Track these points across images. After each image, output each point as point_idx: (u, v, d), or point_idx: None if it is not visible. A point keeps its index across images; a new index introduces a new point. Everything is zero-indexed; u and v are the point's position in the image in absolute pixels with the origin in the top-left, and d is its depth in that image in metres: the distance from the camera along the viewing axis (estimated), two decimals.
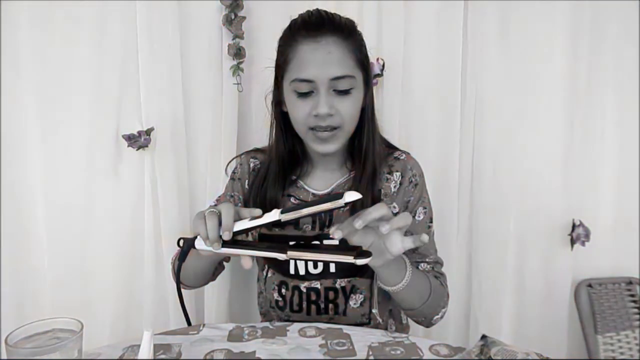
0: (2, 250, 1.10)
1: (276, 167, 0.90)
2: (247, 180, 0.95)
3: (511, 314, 1.28)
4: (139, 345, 0.58)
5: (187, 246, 0.72)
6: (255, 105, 1.15)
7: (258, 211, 0.68)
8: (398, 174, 0.90)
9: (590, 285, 1.31)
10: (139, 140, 1.10)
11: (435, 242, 0.93)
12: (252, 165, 0.96)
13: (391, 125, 1.18)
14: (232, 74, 1.12)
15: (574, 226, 1.28)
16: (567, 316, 1.32)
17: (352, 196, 0.60)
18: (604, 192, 1.32)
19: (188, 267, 0.86)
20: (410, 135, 1.23)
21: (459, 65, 1.21)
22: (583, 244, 1.28)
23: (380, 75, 1.17)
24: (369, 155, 0.86)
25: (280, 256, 0.65)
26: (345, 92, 0.81)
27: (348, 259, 0.63)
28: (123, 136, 1.10)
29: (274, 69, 0.87)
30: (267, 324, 0.79)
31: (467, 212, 1.27)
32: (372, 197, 0.86)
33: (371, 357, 0.68)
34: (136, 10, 1.07)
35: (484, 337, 0.69)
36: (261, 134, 0.95)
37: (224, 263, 0.96)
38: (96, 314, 1.14)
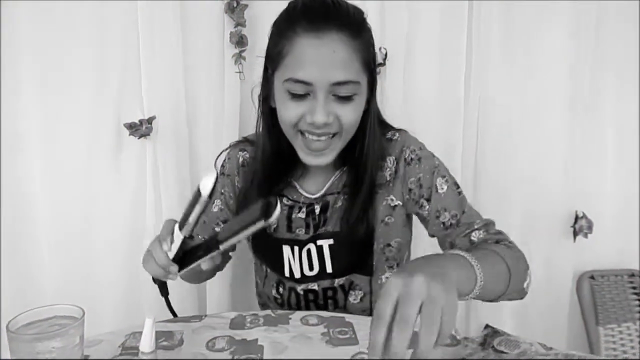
0: (3, 239, 1.10)
1: (261, 172, 0.82)
2: (236, 177, 0.89)
3: (512, 304, 1.27)
4: (141, 332, 0.58)
5: (159, 284, 0.73)
6: (257, 94, 1.13)
7: (166, 246, 0.64)
8: (392, 158, 0.81)
9: (592, 277, 1.31)
10: (140, 129, 1.09)
11: (472, 206, 0.81)
12: (240, 159, 0.89)
13: (393, 118, 1.15)
14: (234, 62, 1.11)
15: (576, 218, 1.28)
16: (569, 308, 1.32)
17: (208, 184, 0.56)
18: (606, 184, 1.32)
19: (186, 278, 0.87)
20: (411, 128, 1.20)
21: (462, 61, 1.20)
22: (586, 235, 1.28)
23: (382, 64, 1.16)
24: (368, 156, 0.78)
25: (218, 251, 0.62)
26: (347, 99, 0.71)
27: (260, 224, 0.56)
28: (124, 125, 1.09)
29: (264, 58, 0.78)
30: (269, 312, 0.78)
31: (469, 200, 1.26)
32: (372, 199, 0.79)
33: None
34: None
35: (487, 326, 0.68)
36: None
37: (230, 253, 0.95)
38: (98, 302, 1.13)
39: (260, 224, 0.56)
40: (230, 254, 0.96)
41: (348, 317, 0.76)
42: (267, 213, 0.56)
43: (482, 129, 1.24)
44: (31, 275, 1.13)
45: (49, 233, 1.12)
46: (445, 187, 0.79)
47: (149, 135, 1.10)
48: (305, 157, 0.76)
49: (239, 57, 1.11)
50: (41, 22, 1.04)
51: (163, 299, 0.76)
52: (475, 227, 0.77)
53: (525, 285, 0.72)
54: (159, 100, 1.10)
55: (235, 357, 0.64)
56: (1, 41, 1.03)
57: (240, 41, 1.10)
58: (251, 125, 1.12)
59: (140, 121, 1.09)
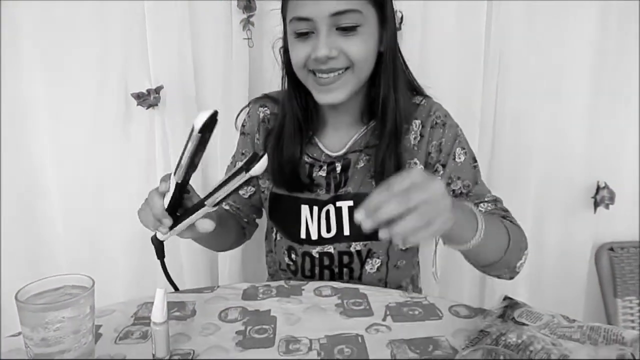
0: (15, 212, 1.10)
1: (291, 125, 0.81)
2: (257, 134, 0.87)
3: (528, 274, 1.26)
4: (152, 303, 0.57)
5: (156, 244, 0.70)
6: (267, 61, 1.11)
7: (164, 186, 0.61)
8: (417, 122, 0.80)
9: (611, 249, 1.27)
10: (148, 99, 1.07)
11: (485, 183, 0.82)
12: (261, 115, 0.87)
13: None
14: (242, 28, 1.07)
15: (598, 188, 1.24)
16: (586, 279, 1.30)
17: (200, 120, 0.53)
18: (628, 155, 1.27)
19: (200, 242, 0.84)
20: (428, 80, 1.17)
21: (482, 24, 1.14)
22: (607, 206, 1.24)
23: (398, 29, 1.11)
24: (388, 107, 0.76)
25: (206, 210, 0.61)
26: (350, 30, 0.70)
27: (241, 177, 0.55)
28: (132, 95, 1.07)
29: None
30: (282, 282, 0.77)
31: (487, 170, 1.23)
32: (396, 159, 0.77)
33: (389, 318, 0.66)
34: None
35: (506, 297, 0.66)
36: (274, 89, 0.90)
37: (256, 220, 0.93)
38: (111, 272, 1.14)
39: (241, 176, 0.55)
40: (257, 220, 0.94)
41: (362, 288, 0.74)
42: (249, 165, 0.54)
43: (501, 93, 1.20)
44: (44, 247, 1.14)
45: (60, 204, 1.12)
46: (462, 158, 0.79)
47: (157, 105, 1.08)
48: (317, 95, 0.75)
49: (247, 23, 1.07)
50: None
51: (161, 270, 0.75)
52: (485, 199, 0.78)
53: (518, 264, 0.72)
54: (166, 70, 1.08)
55: (248, 328, 0.63)
56: (4, 11, 1.00)
57: (248, 6, 1.06)
58: (261, 92, 1.10)
59: (148, 91, 1.07)
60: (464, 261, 0.82)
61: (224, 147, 1.11)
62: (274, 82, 0.86)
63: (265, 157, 0.55)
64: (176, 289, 0.76)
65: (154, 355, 0.56)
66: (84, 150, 1.10)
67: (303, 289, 0.75)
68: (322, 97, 0.75)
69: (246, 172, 0.55)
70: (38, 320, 0.50)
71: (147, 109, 1.08)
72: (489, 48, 1.16)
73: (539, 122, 1.20)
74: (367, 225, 0.48)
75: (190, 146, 0.55)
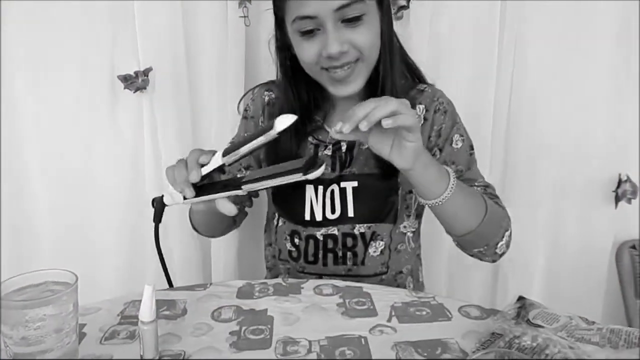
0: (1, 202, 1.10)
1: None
2: (260, 118, 0.91)
3: (543, 273, 1.26)
4: (140, 301, 0.56)
5: (158, 206, 0.72)
6: (264, 41, 1.08)
7: (206, 158, 0.66)
8: (422, 107, 0.86)
9: (633, 247, 1.27)
10: (136, 82, 1.07)
11: (479, 171, 0.88)
12: (266, 99, 0.92)
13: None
14: (238, 5, 1.06)
15: (619, 182, 1.23)
16: (606, 278, 1.29)
17: (283, 122, 0.57)
18: None
19: (199, 219, 0.89)
20: (438, 76, 1.15)
21: (497, 12, 1.14)
22: (629, 201, 1.23)
23: (406, 7, 1.10)
24: (386, 87, 0.81)
25: (238, 192, 0.65)
26: (356, 20, 0.74)
27: (297, 176, 0.60)
28: (118, 77, 1.07)
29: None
30: (279, 280, 0.78)
31: (501, 159, 1.23)
32: None
33: (394, 318, 0.66)
34: None
35: (520, 298, 0.66)
36: (272, 73, 0.90)
37: (246, 209, 0.96)
38: (97, 268, 1.15)
39: (297, 176, 0.59)
40: (247, 209, 0.96)
41: (366, 287, 0.74)
42: (308, 169, 0.59)
43: (517, 79, 1.19)
44: (27, 241, 1.14)
45: (43, 194, 1.12)
46: (460, 144, 0.86)
47: (145, 88, 1.07)
48: (334, 90, 0.80)
49: (243, 0, 1.06)
50: None
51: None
52: (476, 183, 0.84)
53: (499, 244, 0.78)
54: (155, 50, 1.07)
55: (243, 328, 0.63)
56: None
57: None
58: (258, 73, 1.08)
59: (136, 73, 1.06)
60: (474, 259, 0.83)
61: (218, 133, 1.11)
62: (272, 63, 0.87)
63: (324, 166, 0.61)
64: (169, 278, 0.77)
65: (141, 357, 0.56)
66: (67, 138, 1.10)
67: (302, 287, 0.75)
68: (339, 91, 0.79)
69: (304, 175, 0.59)
70: (18, 318, 0.50)
71: (134, 92, 1.07)
72: (502, 37, 1.16)
73: (556, 113, 1.19)
74: (346, 129, 0.59)
75: (259, 141, 0.60)
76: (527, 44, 1.17)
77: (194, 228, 0.92)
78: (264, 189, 0.63)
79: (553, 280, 1.28)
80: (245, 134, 0.92)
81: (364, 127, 0.59)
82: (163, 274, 0.78)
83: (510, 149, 1.23)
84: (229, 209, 0.66)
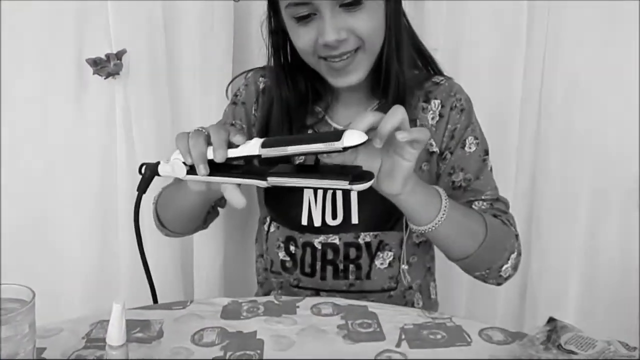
0: None
1: (279, 113, 0.87)
2: (254, 106, 0.93)
3: (579, 290, 1.26)
4: (108, 321, 0.56)
5: (149, 173, 0.70)
6: (255, 18, 1.09)
7: (240, 139, 0.64)
8: (437, 102, 0.87)
9: None
10: (107, 66, 1.08)
11: (494, 179, 0.89)
12: (261, 85, 0.93)
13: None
14: None
15: None
16: None
17: (353, 139, 0.56)
18: None
19: (169, 206, 0.88)
20: (457, 62, 1.18)
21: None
22: None
23: None
24: (391, 79, 0.82)
25: (260, 183, 0.63)
26: (356, 4, 0.75)
27: (341, 184, 0.59)
28: (87, 60, 1.07)
29: None
30: (271, 298, 0.78)
31: (529, 158, 1.25)
32: None
33: (404, 343, 0.65)
34: None
35: (551, 320, 0.66)
36: (264, 56, 0.91)
37: (219, 209, 0.95)
38: (60, 281, 1.15)
39: (340, 184, 0.59)
40: (220, 209, 0.96)
41: (372, 307, 0.75)
42: (355, 180, 0.58)
43: (547, 77, 1.21)
44: None
45: (2, 192, 1.12)
46: (473, 148, 0.87)
47: (118, 74, 1.08)
48: (332, 80, 0.81)
49: None
50: None
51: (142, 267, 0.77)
52: (482, 197, 0.85)
53: (503, 268, 0.80)
54: (130, 30, 1.07)
55: (228, 354, 0.63)
56: None
57: None
58: (247, 57, 1.08)
59: (107, 56, 1.07)
60: None
61: (201, 125, 1.10)
62: (265, 45, 0.88)
63: (373, 180, 0.60)
64: (152, 287, 0.77)
65: None
66: (25, 130, 1.10)
67: (298, 306, 0.75)
68: (339, 81, 0.81)
69: (349, 184, 0.58)
70: None
71: (105, 78, 1.07)
72: (532, 28, 1.17)
73: (589, 112, 1.21)
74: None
75: (315, 148, 0.59)
76: (558, 37, 1.18)
77: (160, 222, 0.90)
78: (292, 185, 0.61)
79: (589, 298, 1.29)
80: (235, 122, 0.92)
81: (377, 144, 0.60)
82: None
83: (540, 153, 1.24)
84: (238, 201, 0.64)
